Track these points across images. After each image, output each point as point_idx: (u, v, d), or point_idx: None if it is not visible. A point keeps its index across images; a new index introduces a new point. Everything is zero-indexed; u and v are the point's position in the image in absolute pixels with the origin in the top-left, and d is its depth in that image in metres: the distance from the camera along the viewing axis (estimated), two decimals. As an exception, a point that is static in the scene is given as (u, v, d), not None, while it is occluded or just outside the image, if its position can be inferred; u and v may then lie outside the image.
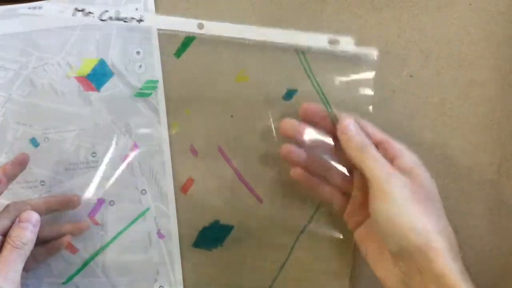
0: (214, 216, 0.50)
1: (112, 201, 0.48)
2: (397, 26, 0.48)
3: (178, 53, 0.48)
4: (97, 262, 0.48)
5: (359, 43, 0.48)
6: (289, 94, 0.48)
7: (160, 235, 0.49)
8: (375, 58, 0.47)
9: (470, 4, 0.48)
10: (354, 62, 0.47)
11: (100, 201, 0.48)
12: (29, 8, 0.47)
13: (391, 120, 0.48)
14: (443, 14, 0.48)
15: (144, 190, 0.48)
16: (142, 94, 0.48)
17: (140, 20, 0.47)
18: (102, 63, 0.47)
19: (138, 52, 0.48)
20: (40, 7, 0.48)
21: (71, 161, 0.48)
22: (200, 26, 0.47)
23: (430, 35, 0.48)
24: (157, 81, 0.48)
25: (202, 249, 0.50)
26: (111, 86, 0.48)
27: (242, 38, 0.47)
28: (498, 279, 0.48)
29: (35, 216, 0.43)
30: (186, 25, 0.47)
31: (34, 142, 0.48)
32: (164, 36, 0.48)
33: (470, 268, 0.48)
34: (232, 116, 0.49)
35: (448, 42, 0.48)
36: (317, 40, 0.47)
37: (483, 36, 0.48)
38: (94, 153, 0.48)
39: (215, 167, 0.49)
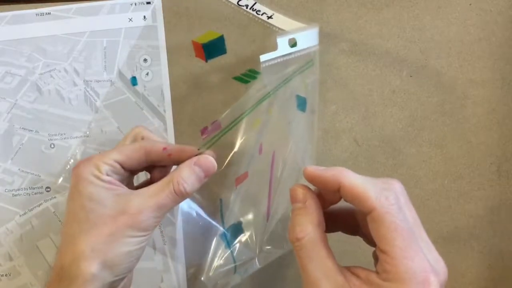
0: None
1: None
2: (397, 26, 0.48)
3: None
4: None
5: (359, 42, 0.48)
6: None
7: (165, 242, 0.49)
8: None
9: (470, 4, 0.48)
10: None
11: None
12: (37, 14, 0.48)
13: (390, 120, 0.48)
14: (443, 14, 0.48)
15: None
16: (241, 79, 0.46)
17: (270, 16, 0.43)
18: (221, 39, 0.45)
19: (145, 60, 0.48)
20: (48, 13, 0.48)
21: (77, 168, 0.48)
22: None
23: (430, 35, 0.48)
24: (258, 72, 0.44)
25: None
26: (118, 94, 0.48)
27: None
28: (498, 279, 0.48)
29: (213, 168, 0.38)
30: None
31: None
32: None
33: (470, 268, 0.49)
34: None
35: (448, 42, 0.48)
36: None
37: (483, 36, 0.48)
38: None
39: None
